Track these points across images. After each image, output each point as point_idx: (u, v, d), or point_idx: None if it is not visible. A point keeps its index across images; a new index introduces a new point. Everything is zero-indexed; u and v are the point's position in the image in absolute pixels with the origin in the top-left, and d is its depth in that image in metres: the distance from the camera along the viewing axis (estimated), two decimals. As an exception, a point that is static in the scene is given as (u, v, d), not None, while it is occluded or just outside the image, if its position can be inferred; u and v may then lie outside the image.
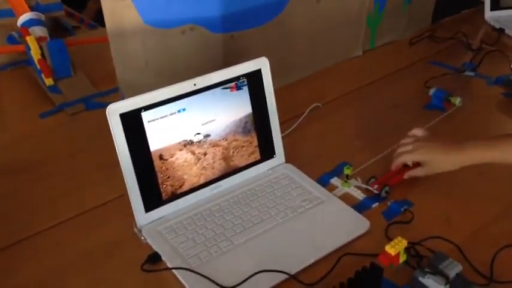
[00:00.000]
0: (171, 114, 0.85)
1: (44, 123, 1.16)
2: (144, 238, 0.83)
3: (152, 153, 0.84)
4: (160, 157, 0.85)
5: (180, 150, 0.87)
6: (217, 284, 0.75)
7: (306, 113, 1.15)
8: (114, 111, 0.79)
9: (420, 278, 0.75)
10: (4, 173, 0.99)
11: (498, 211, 0.90)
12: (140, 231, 0.84)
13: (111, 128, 0.79)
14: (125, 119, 0.80)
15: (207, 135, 0.89)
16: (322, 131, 1.13)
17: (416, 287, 0.74)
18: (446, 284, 0.73)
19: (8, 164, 1.02)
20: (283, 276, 0.76)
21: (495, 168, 0.93)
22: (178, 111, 0.86)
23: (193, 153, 0.88)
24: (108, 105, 0.79)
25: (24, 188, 0.96)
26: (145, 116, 0.82)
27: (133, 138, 0.81)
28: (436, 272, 0.74)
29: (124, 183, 0.81)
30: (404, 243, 0.76)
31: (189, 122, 0.87)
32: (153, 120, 0.83)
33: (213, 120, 0.89)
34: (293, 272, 0.77)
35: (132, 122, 0.81)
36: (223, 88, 0.90)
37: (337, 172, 0.98)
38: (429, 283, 0.74)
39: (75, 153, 1.05)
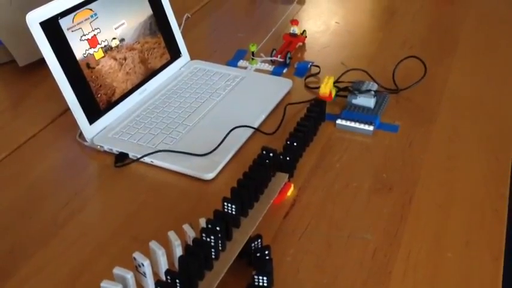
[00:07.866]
0: (85, 20, 0.83)
1: None
2: (101, 146, 0.81)
3: (80, 63, 0.81)
4: (88, 66, 0.83)
5: (103, 57, 0.85)
6: (196, 155, 0.78)
7: (183, 24, 1.19)
8: (34, 20, 0.75)
9: (353, 100, 0.89)
10: None
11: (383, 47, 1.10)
12: (93, 143, 0.81)
13: (36, 41, 0.75)
14: (46, 27, 0.76)
15: (122, 40, 0.89)
16: (204, 33, 1.19)
17: (352, 108, 0.88)
18: (374, 96, 0.88)
19: None
20: (250, 132, 0.83)
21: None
22: (91, 16, 0.84)
23: (115, 59, 0.87)
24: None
25: None
26: (63, 23, 0.79)
27: (59, 49, 0.78)
28: (362, 92, 0.89)
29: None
30: (331, 79, 0.89)
31: (103, 27, 0.85)
32: (71, 27, 0.80)
33: (123, 23, 0.89)
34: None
35: (54, 31, 0.78)
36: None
37: (239, 57, 1.06)
38: (361, 100, 0.88)
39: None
